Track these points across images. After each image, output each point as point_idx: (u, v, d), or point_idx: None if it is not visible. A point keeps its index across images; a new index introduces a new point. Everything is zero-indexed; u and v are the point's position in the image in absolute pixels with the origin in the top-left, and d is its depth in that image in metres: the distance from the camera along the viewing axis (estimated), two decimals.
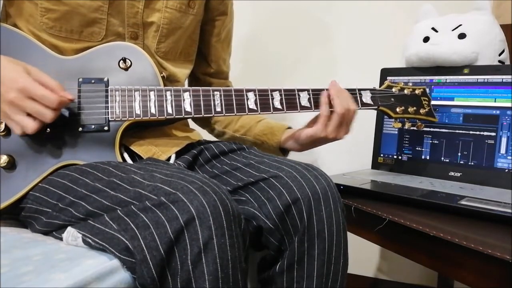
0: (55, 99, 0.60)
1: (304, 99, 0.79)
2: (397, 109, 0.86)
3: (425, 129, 0.97)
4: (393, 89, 0.87)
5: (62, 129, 0.67)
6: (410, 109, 0.86)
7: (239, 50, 1.49)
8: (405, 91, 0.87)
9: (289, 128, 0.92)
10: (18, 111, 0.60)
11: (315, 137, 0.79)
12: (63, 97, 0.62)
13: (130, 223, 0.52)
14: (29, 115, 0.60)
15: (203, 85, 0.81)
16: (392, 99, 0.86)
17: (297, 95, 0.79)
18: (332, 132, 0.78)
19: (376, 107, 0.85)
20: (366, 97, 0.84)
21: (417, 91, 0.87)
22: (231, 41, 0.99)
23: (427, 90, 0.89)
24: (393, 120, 0.87)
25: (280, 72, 1.48)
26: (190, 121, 0.96)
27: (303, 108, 0.79)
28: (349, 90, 0.82)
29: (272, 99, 0.77)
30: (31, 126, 0.60)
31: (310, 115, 0.83)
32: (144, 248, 0.49)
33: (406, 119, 0.88)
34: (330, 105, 0.78)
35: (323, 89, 0.80)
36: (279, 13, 1.45)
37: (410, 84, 0.89)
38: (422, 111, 0.87)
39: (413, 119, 0.88)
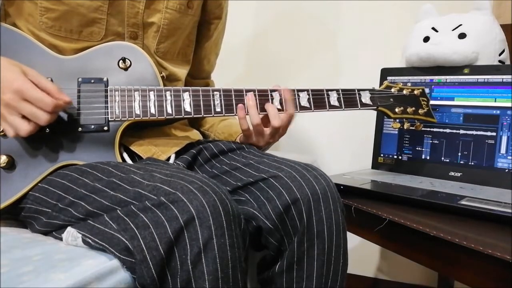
0: (51, 102, 0.59)
1: (303, 100, 0.79)
2: (396, 110, 0.86)
3: (425, 129, 0.97)
4: (392, 90, 0.87)
5: (61, 129, 0.66)
6: (409, 110, 0.86)
7: (242, 51, 1.50)
8: (404, 92, 0.87)
9: None
10: (13, 112, 0.59)
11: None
12: (60, 100, 0.61)
13: (130, 223, 0.52)
14: (24, 117, 0.60)
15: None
16: (391, 100, 0.86)
17: (296, 95, 0.79)
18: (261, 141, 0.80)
19: (375, 107, 0.85)
20: (365, 98, 0.84)
21: (415, 92, 0.87)
22: (220, 41, 0.99)
23: (426, 90, 0.89)
24: (392, 120, 0.87)
25: (282, 73, 1.48)
26: None
27: (303, 108, 0.79)
28: (348, 90, 0.82)
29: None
30: (25, 128, 0.60)
31: (309, 115, 0.82)
32: (144, 248, 0.49)
33: (405, 119, 0.88)
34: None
35: (322, 90, 0.80)
36: (280, 14, 1.45)
37: (409, 84, 0.89)
38: (421, 111, 0.87)
39: (412, 120, 0.88)
